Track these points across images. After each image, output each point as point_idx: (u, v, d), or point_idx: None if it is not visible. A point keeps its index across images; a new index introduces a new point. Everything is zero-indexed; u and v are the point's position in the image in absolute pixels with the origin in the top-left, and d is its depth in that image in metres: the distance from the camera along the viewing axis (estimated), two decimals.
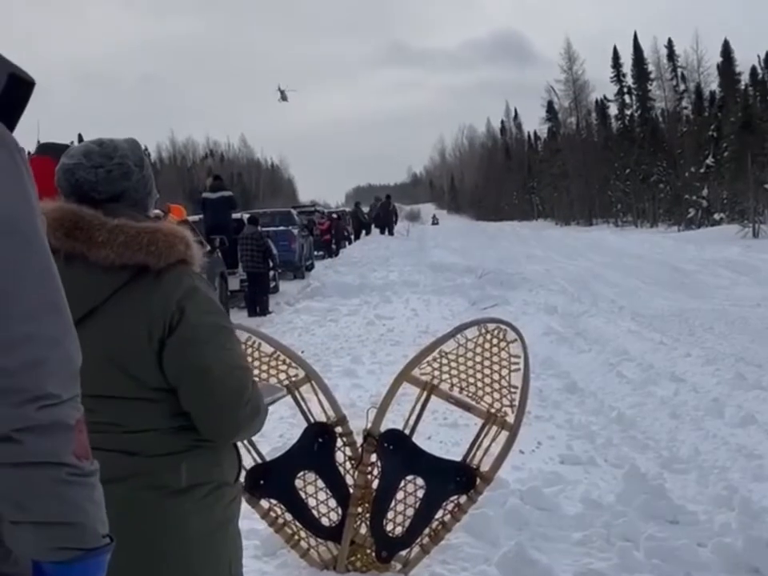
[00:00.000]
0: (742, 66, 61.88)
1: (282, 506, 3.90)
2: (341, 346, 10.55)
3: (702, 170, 53.80)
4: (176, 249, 2.13)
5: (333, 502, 3.89)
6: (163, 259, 2.10)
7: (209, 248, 13.76)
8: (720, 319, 13.23)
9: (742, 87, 60.14)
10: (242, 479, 2.39)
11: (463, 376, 3.88)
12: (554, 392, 8.13)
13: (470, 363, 3.88)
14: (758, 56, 60.85)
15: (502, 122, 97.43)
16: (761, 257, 24.31)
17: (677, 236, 41.91)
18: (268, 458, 3.93)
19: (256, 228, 16.61)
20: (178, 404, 2.12)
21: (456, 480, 3.82)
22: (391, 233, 36.05)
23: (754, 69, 60.50)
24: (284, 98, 68.14)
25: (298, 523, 3.91)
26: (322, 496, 3.90)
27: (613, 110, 73.40)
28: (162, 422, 2.12)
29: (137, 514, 2.05)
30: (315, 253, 28.64)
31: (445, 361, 3.89)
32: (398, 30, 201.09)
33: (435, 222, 70.50)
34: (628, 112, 71.40)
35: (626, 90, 70.85)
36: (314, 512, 3.90)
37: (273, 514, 3.92)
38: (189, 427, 2.13)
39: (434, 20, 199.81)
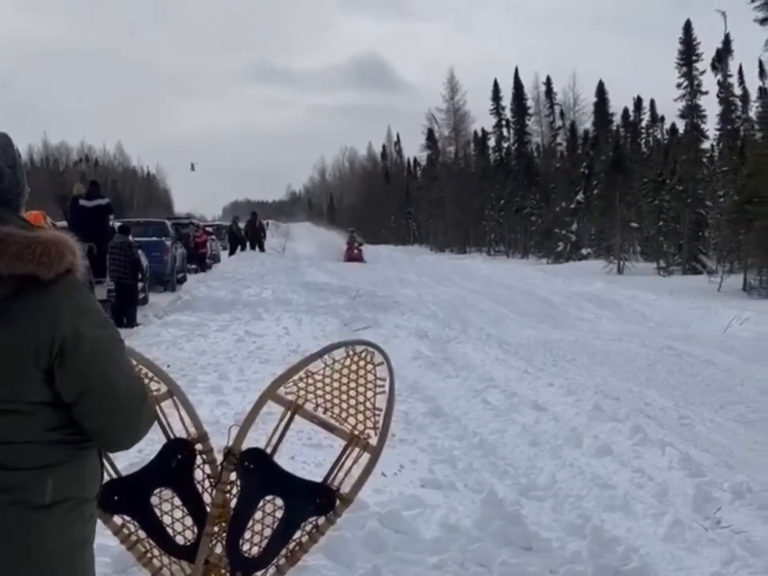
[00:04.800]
0: (615, 108, 64.31)
1: (136, 523, 3.79)
2: (208, 361, 10.40)
3: (572, 206, 55.52)
4: (66, 259, 2.08)
5: (189, 521, 3.81)
6: (53, 270, 2.04)
7: None
8: (582, 351, 13.65)
9: (614, 128, 62.43)
10: None
11: (329, 397, 3.86)
12: (420, 416, 8.20)
13: (336, 384, 3.87)
14: (633, 98, 63.44)
15: (384, 146, 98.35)
16: (623, 293, 25.24)
17: (546, 268, 43.10)
18: (124, 474, 3.82)
19: (126, 237, 16.25)
20: (50, 418, 2.08)
21: (316, 501, 3.79)
22: (262, 249, 35.80)
23: (626, 111, 62.94)
24: (192, 168, 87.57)
25: (151, 541, 3.81)
26: (178, 514, 3.81)
27: (491, 141, 75.04)
28: (33, 436, 2.06)
29: None
30: (189, 266, 28.22)
31: (311, 381, 3.87)
32: (263, 48, 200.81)
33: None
34: (505, 145, 73.09)
35: (504, 123, 72.53)
36: (169, 530, 3.81)
37: (126, 531, 3.81)
38: (59, 441, 2.08)
39: (301, 41, 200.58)
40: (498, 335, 15.34)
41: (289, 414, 3.82)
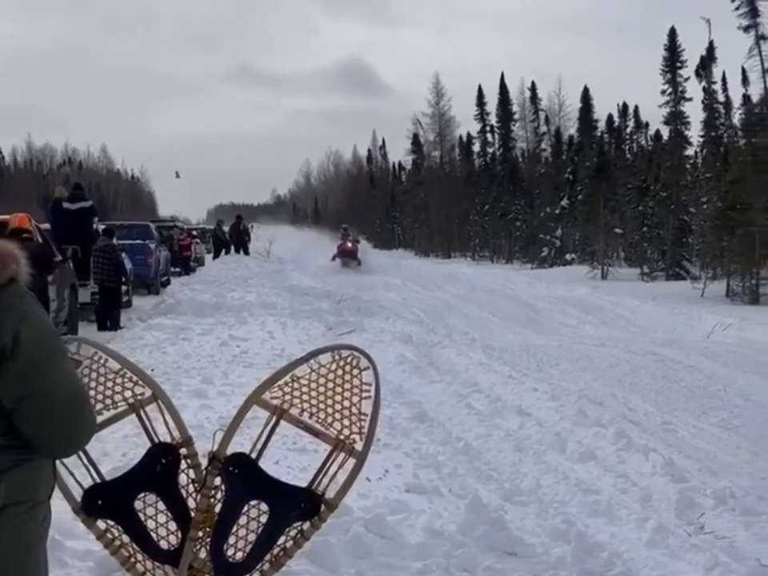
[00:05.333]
0: (600, 114, 64.55)
1: (120, 528, 3.78)
2: (192, 365, 10.37)
3: (557, 211, 55.65)
4: (9, 269, 2.11)
5: (173, 526, 3.80)
6: None
7: (60, 258, 13.34)
8: (566, 356, 13.67)
9: (599, 134, 62.67)
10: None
11: (314, 402, 3.85)
12: (404, 420, 8.20)
13: (321, 389, 3.86)
14: (617, 104, 63.72)
15: (369, 150, 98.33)
16: (607, 298, 25.32)
17: (530, 273, 43.20)
18: (108, 478, 3.81)
19: (110, 240, 16.20)
20: None
21: (301, 506, 3.78)
22: (246, 252, 35.71)
23: (610, 117, 63.19)
24: (177, 175, 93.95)
25: (135, 546, 3.79)
26: (162, 519, 3.80)
27: (476, 146, 75.18)
28: None
29: None
30: (172, 269, 28.14)
31: (296, 385, 3.86)
32: (248, 52, 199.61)
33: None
34: (490, 150, 73.23)
35: (488, 128, 72.66)
36: (153, 535, 3.79)
37: (109, 536, 3.79)
38: (8, 446, 2.09)
39: (286, 45, 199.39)
40: (483, 340, 15.36)
41: (274, 418, 3.81)
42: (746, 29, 36.31)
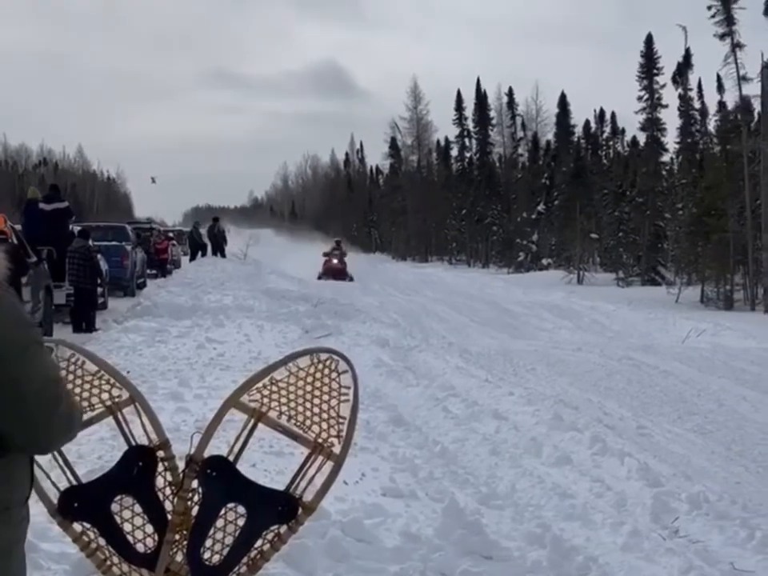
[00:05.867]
0: (577, 120, 64.89)
1: (96, 531, 3.75)
2: (168, 368, 10.32)
3: (533, 216, 55.89)
4: None
5: (150, 528, 3.78)
6: None
7: (35, 259, 13.25)
8: (542, 361, 13.72)
9: (576, 139, 63.00)
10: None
11: (293, 405, 3.85)
12: (381, 424, 8.19)
13: (300, 392, 3.86)
14: (594, 110, 64.06)
15: (347, 154, 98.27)
16: (583, 303, 25.45)
17: (507, 278, 43.35)
18: (84, 480, 3.78)
19: (86, 242, 16.11)
20: None
21: (278, 509, 3.77)
22: (223, 255, 35.64)
23: (587, 123, 63.53)
24: (153, 181, 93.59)
25: (111, 549, 3.77)
26: (138, 521, 3.78)
27: (454, 151, 75.39)
28: None
29: None
30: (148, 271, 28.03)
31: (275, 388, 3.85)
32: (225, 55, 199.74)
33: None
34: (468, 154, 73.42)
35: (466, 133, 72.84)
36: (130, 537, 3.77)
37: (85, 538, 3.77)
38: None
39: (263, 49, 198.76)
40: (459, 344, 15.38)
41: (252, 421, 3.80)
42: (722, 37, 36.63)
